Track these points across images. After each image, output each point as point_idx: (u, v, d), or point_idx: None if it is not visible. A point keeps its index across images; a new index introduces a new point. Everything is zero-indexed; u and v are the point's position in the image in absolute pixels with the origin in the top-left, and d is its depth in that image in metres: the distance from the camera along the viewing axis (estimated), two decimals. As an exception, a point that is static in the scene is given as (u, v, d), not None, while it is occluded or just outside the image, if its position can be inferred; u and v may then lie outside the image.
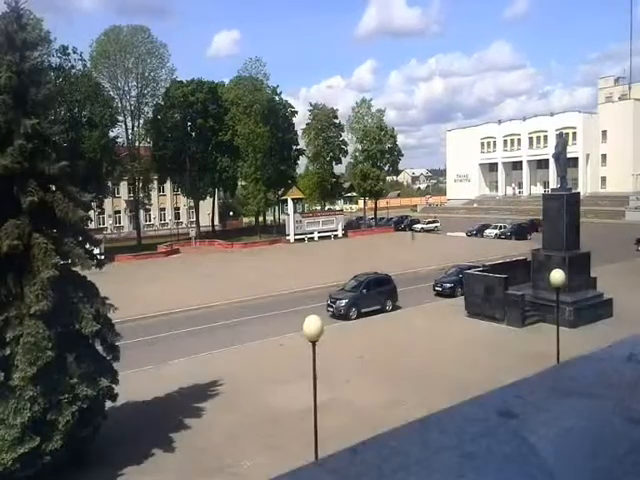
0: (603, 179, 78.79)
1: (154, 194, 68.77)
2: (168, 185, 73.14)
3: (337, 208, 76.08)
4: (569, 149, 31.09)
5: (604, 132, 77.95)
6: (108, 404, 13.89)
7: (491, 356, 18.91)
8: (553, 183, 67.37)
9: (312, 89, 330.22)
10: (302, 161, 71.92)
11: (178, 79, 61.04)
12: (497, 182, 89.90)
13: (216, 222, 73.09)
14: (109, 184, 59.13)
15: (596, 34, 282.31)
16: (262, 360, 19.87)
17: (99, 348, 14.12)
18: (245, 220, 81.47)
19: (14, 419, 11.46)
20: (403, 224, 68.78)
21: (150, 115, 60.29)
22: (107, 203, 64.19)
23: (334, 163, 69.91)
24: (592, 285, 24.06)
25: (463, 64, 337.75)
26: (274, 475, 0.85)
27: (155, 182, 66.30)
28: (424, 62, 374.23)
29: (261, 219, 68.53)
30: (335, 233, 60.61)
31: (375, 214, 70.18)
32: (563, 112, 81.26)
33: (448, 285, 29.57)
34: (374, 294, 26.86)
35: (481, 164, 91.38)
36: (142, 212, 67.51)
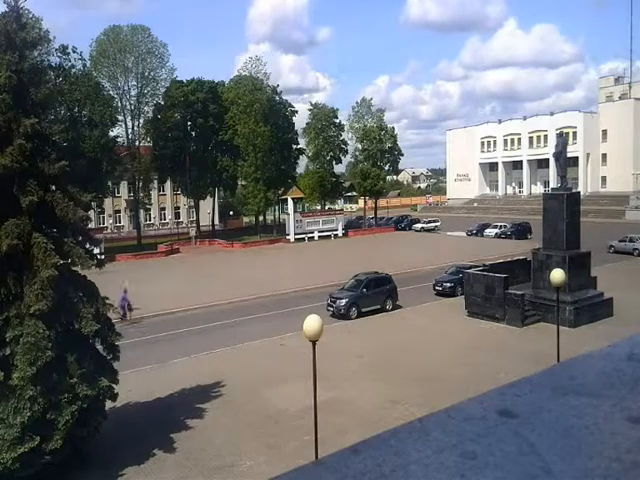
0: (603, 178, 78.79)
1: (154, 194, 68.75)
2: (168, 185, 73.15)
3: (337, 208, 76.07)
4: (569, 148, 31.10)
5: (604, 131, 77.94)
6: (108, 404, 13.89)
7: (491, 356, 18.92)
8: (553, 182, 67.45)
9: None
10: (302, 160, 72.03)
11: (178, 79, 61.21)
12: (497, 181, 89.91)
13: (216, 222, 73.13)
14: (109, 184, 59.15)
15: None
16: (262, 360, 19.87)
17: (99, 348, 14.13)
18: (245, 220, 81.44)
19: (14, 419, 11.47)
20: (403, 223, 68.81)
21: (150, 115, 60.31)
22: (107, 203, 64.17)
23: (334, 162, 69.95)
24: (592, 285, 24.08)
25: (517, 54, 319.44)
26: (274, 474, 0.85)
27: (155, 182, 66.32)
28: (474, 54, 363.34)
29: (261, 219, 68.54)
30: (335, 233, 60.64)
31: (375, 214, 70.19)
32: (563, 111, 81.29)
33: (448, 285, 29.58)
34: (374, 293, 26.86)
35: (481, 163, 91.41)
36: (142, 211, 67.52)
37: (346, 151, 69.23)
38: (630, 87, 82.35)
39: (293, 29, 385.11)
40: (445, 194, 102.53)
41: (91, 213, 19.59)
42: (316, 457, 10.45)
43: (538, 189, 78.80)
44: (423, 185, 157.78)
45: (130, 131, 58.67)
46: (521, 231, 53.31)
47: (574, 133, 75.56)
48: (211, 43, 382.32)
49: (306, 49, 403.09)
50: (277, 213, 73.06)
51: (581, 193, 31.71)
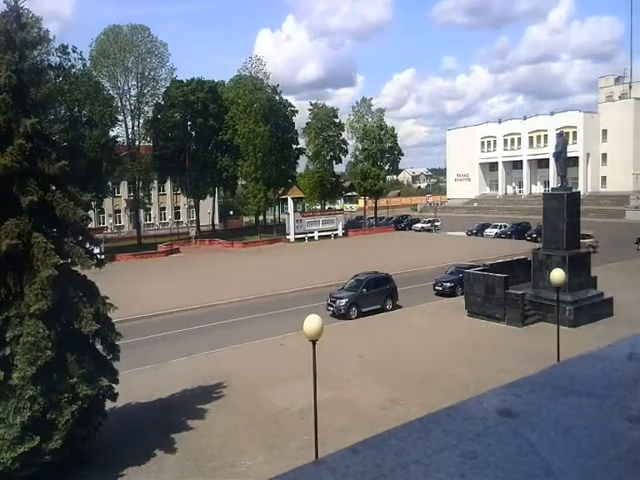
0: (603, 178, 78.79)
1: (154, 193, 68.75)
2: (168, 184, 73.18)
3: (337, 207, 76.07)
4: (569, 148, 31.07)
5: (604, 131, 77.94)
6: (108, 404, 13.88)
7: (491, 355, 18.92)
8: (553, 182, 67.44)
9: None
10: (302, 160, 72.00)
11: (178, 78, 61.25)
12: (497, 181, 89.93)
13: (216, 221, 73.14)
14: (109, 183, 59.15)
15: None
16: (262, 359, 19.87)
17: (99, 347, 14.12)
18: (245, 219, 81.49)
19: (14, 418, 11.46)
20: (403, 223, 68.83)
21: (150, 114, 60.35)
22: (107, 202, 64.16)
23: (334, 162, 69.94)
24: (592, 284, 24.07)
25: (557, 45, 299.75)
26: (274, 474, 0.85)
27: (155, 182, 66.32)
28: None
29: (261, 218, 68.54)
30: (335, 232, 60.64)
31: (375, 213, 70.18)
32: (563, 111, 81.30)
33: (448, 284, 29.57)
34: (374, 293, 26.85)
35: (481, 163, 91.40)
36: (142, 211, 67.53)
37: (346, 151, 69.27)
38: (630, 87, 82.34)
39: (331, 19, 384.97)
40: (445, 194, 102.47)
41: (91, 213, 19.59)
42: (316, 457, 10.45)
43: (538, 189, 78.80)
44: (423, 185, 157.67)
45: (130, 131, 58.77)
46: (520, 231, 53.34)
47: (574, 133, 75.54)
48: (237, 34, 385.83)
49: (346, 42, 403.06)
50: (277, 213, 73.07)
51: (581, 193, 31.69)
